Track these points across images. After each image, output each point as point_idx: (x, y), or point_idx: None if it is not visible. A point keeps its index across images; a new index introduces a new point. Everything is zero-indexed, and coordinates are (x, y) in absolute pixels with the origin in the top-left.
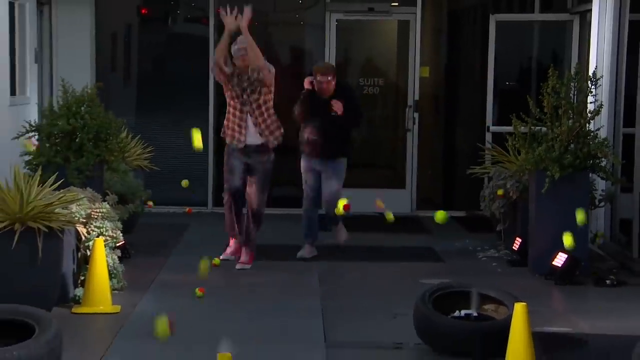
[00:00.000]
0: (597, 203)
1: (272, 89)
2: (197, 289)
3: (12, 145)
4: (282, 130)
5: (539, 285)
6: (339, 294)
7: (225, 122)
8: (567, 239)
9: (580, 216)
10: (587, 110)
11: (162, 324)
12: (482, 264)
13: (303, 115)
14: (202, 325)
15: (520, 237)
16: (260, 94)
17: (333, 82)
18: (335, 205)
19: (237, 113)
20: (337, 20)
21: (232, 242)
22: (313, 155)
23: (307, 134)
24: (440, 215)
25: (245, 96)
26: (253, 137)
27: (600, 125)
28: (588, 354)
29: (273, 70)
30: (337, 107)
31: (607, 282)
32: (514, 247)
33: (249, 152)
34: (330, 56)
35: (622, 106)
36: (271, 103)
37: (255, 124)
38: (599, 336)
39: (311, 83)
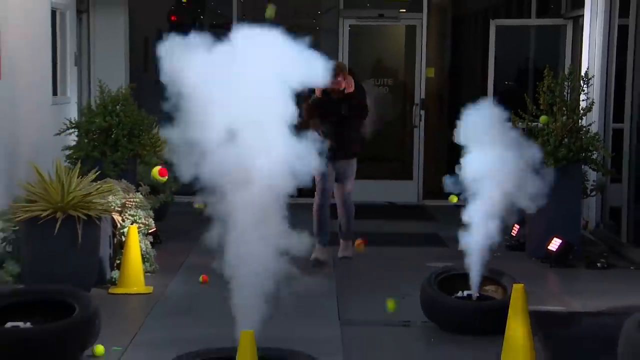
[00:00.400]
0: (589, 192)
1: None
2: (200, 277)
3: (54, 140)
4: None
5: (535, 268)
6: (352, 277)
7: None
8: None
9: (390, 305)
10: (580, 107)
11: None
12: None
13: (308, 122)
14: (226, 304)
15: (518, 224)
16: None
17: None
18: (349, 203)
19: None
20: (350, 26)
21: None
22: (333, 157)
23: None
24: (390, 305)
25: None
26: None
27: (592, 121)
28: (580, 331)
29: None
30: (348, 83)
31: (598, 265)
32: (512, 233)
33: None
34: (344, 58)
35: (612, 103)
36: None
37: None
38: (590, 314)
39: (322, 91)
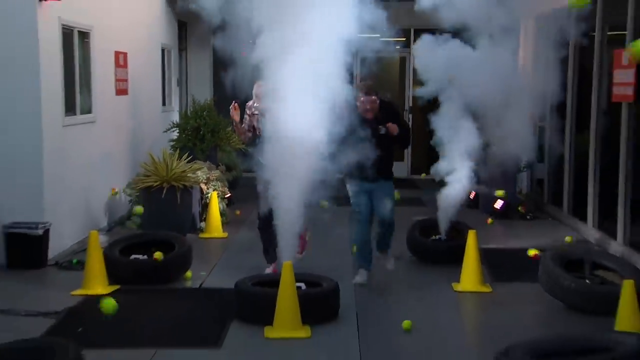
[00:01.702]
0: (521, 169)
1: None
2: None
3: (163, 136)
4: None
5: (485, 220)
6: None
7: None
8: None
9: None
10: None
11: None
12: None
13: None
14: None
15: (474, 192)
16: None
17: (377, 101)
18: (391, 226)
19: None
20: (360, 57)
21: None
22: (365, 177)
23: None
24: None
25: None
26: None
27: None
28: (514, 261)
29: None
30: (393, 128)
31: (528, 217)
32: (470, 197)
33: None
34: (355, 80)
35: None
36: None
37: None
38: (520, 250)
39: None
